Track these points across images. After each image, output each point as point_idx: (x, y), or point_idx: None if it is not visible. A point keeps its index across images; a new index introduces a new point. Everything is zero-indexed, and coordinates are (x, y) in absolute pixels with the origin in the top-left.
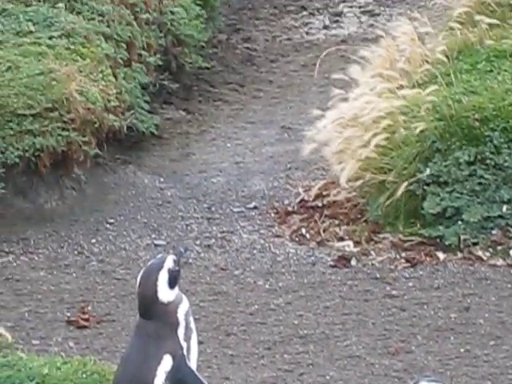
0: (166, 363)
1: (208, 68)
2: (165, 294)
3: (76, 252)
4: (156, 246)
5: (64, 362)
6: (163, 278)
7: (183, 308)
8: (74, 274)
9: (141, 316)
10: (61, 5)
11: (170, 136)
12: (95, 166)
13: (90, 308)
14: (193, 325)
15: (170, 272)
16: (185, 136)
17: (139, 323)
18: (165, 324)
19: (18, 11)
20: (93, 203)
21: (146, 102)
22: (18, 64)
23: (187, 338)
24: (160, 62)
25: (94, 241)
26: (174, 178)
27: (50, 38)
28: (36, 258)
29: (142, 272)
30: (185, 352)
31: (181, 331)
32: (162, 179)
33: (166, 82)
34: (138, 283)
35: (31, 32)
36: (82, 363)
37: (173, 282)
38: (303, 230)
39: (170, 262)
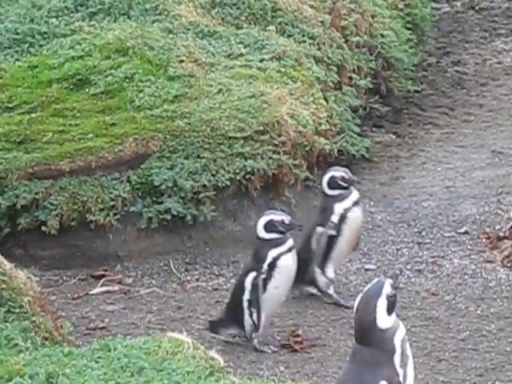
0: None
1: (418, 91)
2: (383, 320)
3: None
4: (366, 270)
5: None
6: (382, 304)
7: (400, 334)
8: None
9: (357, 342)
10: (271, 27)
11: (380, 159)
12: (305, 189)
13: (300, 332)
14: (409, 351)
15: (388, 298)
16: (395, 159)
17: (355, 349)
18: (381, 350)
19: (229, 34)
20: (303, 226)
21: (356, 124)
22: (229, 87)
23: (403, 365)
24: (370, 85)
25: None
26: (384, 201)
27: (261, 60)
28: None
29: (359, 297)
30: (401, 379)
31: (397, 358)
32: (372, 203)
33: (375, 105)
34: (355, 309)
35: (242, 55)
36: None
37: (391, 308)
38: None
39: (387, 288)
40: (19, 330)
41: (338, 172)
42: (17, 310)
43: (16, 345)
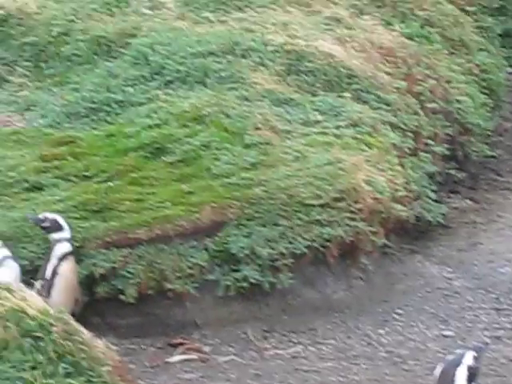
0: None
1: (494, 157)
2: None
3: (364, 342)
4: (444, 336)
5: None
6: (462, 373)
7: None
8: (363, 365)
9: None
10: (347, 94)
11: (457, 225)
12: (382, 256)
13: None
14: None
15: (470, 369)
16: (472, 225)
17: None
18: None
19: (305, 101)
20: (380, 293)
21: (432, 191)
22: (306, 154)
23: None
24: (446, 151)
25: (381, 331)
26: (462, 268)
27: (337, 127)
28: (324, 349)
29: (441, 367)
30: None
31: None
32: (449, 269)
33: (452, 171)
34: (437, 378)
35: (318, 122)
36: None
37: (472, 379)
38: None
39: (469, 359)
40: None
41: None
42: (96, 380)
43: None
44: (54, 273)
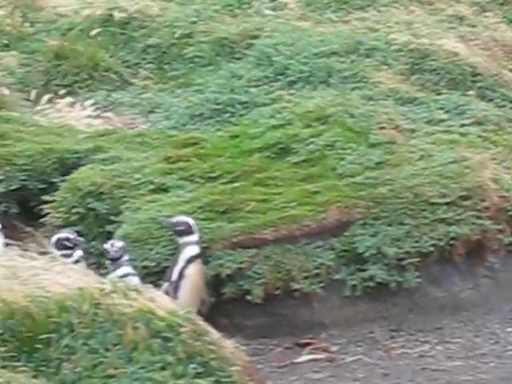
0: None
1: None
2: None
3: (492, 341)
4: None
5: None
6: None
7: None
8: (491, 364)
9: None
10: (471, 92)
11: None
12: (509, 254)
13: None
14: None
15: None
16: None
17: None
18: None
19: (429, 99)
20: (507, 291)
21: None
22: (431, 152)
23: None
24: None
25: (509, 329)
26: None
27: (462, 125)
28: (452, 347)
29: None
30: None
31: None
32: None
33: None
34: None
35: (443, 120)
36: None
37: None
38: None
39: None
40: None
41: None
42: (225, 380)
43: None
44: (181, 275)
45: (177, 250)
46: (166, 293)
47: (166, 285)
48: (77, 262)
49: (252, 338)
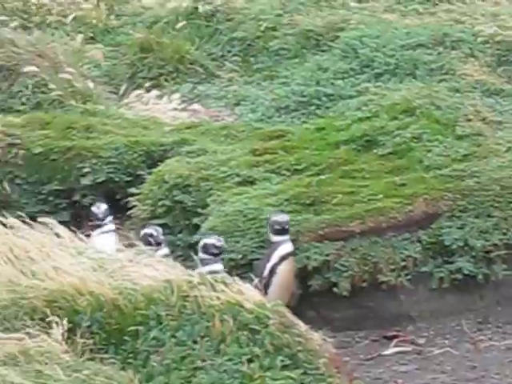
0: None
1: None
2: None
3: None
4: None
5: None
6: None
7: None
8: None
9: None
10: None
11: None
12: None
13: None
14: None
15: None
16: None
17: None
18: None
19: None
20: None
21: None
22: None
23: None
24: None
25: None
26: None
27: None
28: None
29: None
30: None
31: None
32: None
33: None
34: None
35: None
36: None
37: None
38: None
39: None
40: None
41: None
42: (313, 372)
43: None
44: (272, 272)
45: (269, 246)
46: (257, 288)
47: (256, 280)
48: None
49: (339, 331)
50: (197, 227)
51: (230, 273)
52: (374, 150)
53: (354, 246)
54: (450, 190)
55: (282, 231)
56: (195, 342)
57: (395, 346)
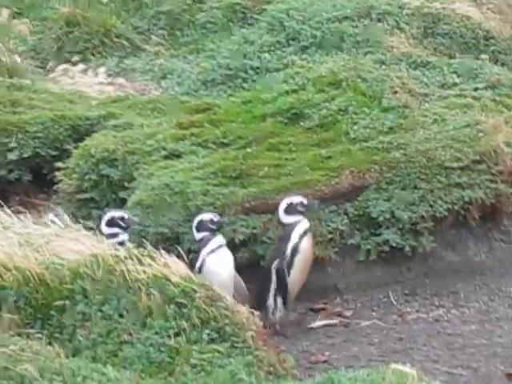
0: None
1: None
2: None
3: (507, 304)
4: None
5: None
6: None
7: None
8: (506, 327)
9: None
10: (485, 56)
11: None
12: None
13: None
14: None
15: None
16: None
17: None
18: None
19: (442, 63)
20: None
21: None
22: (444, 116)
23: None
24: None
25: None
26: None
27: (475, 89)
28: (467, 312)
29: None
30: None
31: None
32: None
33: None
34: None
35: (456, 84)
36: None
37: None
38: None
39: None
40: (243, 365)
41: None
42: (240, 345)
43: (240, 379)
44: (295, 251)
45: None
46: (278, 271)
47: (276, 262)
48: (121, 243)
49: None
50: (123, 201)
51: (156, 246)
52: (301, 123)
53: None
54: (376, 163)
55: (300, 212)
56: (121, 316)
57: (322, 318)
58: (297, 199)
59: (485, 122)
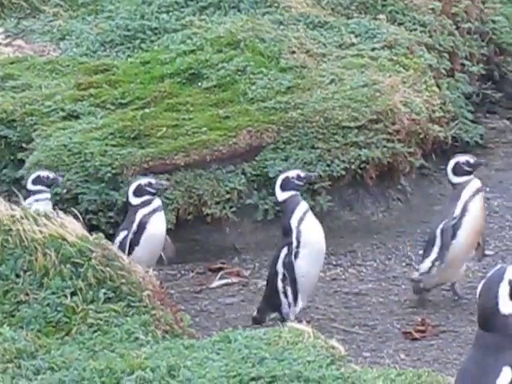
0: (505, 376)
1: None
2: (506, 305)
3: (404, 264)
4: (484, 256)
5: (398, 373)
6: (504, 289)
7: None
8: (403, 286)
9: (480, 327)
10: (382, 16)
11: (495, 145)
12: (420, 177)
13: (419, 319)
14: None
15: (511, 283)
16: (510, 145)
17: (478, 335)
18: (504, 336)
19: (340, 24)
20: (419, 214)
21: (469, 111)
22: (342, 76)
23: None
24: (483, 72)
25: (421, 252)
26: (500, 187)
27: (373, 49)
28: (364, 271)
29: (482, 284)
30: None
31: None
32: (488, 189)
33: (489, 92)
34: (478, 295)
35: (353, 44)
36: (417, 375)
37: None
38: None
39: (510, 274)
40: (139, 324)
41: (463, 157)
42: (136, 304)
43: (137, 339)
44: (464, 209)
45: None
46: (442, 231)
47: (442, 224)
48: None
49: (163, 264)
50: (22, 162)
51: (54, 207)
52: (199, 83)
53: (179, 178)
54: (273, 122)
55: (469, 172)
56: (18, 276)
57: (221, 278)
58: (463, 158)
59: (382, 81)
